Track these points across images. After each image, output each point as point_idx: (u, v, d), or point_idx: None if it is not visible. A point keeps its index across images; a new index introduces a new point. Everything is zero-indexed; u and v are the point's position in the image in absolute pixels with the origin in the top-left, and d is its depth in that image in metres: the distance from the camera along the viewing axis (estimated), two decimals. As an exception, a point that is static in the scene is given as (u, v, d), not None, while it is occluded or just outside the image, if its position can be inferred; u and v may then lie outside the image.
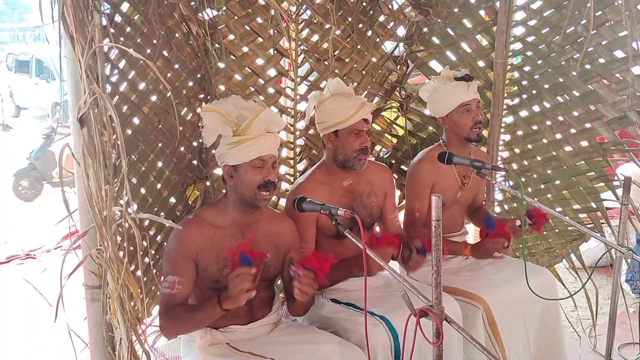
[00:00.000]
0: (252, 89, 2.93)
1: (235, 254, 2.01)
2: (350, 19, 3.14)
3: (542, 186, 3.38)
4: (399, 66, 3.44)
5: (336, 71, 3.18)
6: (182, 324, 2.20)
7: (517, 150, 3.45)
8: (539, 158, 3.36)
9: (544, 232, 3.43)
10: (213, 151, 2.26)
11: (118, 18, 2.25)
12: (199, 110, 2.69)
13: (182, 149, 2.64)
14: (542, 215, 2.76)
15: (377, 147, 3.60)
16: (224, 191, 2.39)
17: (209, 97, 2.69)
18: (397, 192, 3.18)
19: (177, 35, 2.51)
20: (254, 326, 2.32)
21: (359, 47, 3.21)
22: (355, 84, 3.25)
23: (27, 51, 15.91)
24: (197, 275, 2.22)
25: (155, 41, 2.38)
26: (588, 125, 3.14)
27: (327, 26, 3.05)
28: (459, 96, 2.83)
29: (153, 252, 2.55)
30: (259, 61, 2.93)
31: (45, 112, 15.28)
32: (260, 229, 2.32)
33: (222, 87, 2.76)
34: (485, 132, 3.33)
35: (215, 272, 2.22)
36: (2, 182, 8.61)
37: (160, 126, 2.50)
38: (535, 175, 3.39)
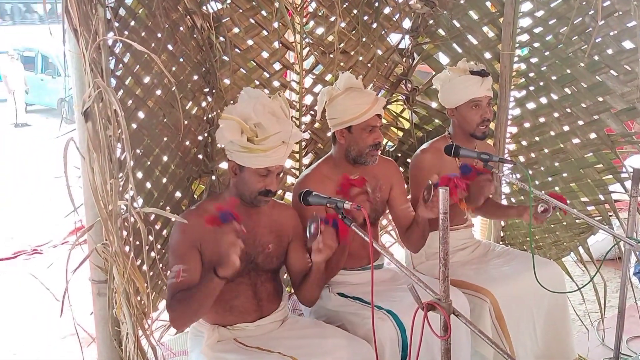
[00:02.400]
0: (257, 82, 2.91)
1: (214, 218, 1.99)
2: (355, 12, 3.12)
3: (550, 179, 3.35)
4: (404, 59, 3.42)
5: (341, 64, 3.16)
6: (187, 307, 2.11)
7: (524, 143, 3.42)
8: (546, 150, 3.33)
9: (552, 225, 3.41)
10: (219, 145, 2.25)
11: (122, 11, 2.24)
12: (204, 104, 2.69)
13: (187, 143, 2.63)
14: (558, 197, 2.69)
15: (384, 141, 3.58)
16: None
17: (213, 90, 2.68)
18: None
19: (181, 28, 2.50)
20: (262, 323, 2.32)
21: (364, 39, 3.19)
22: (361, 76, 3.22)
23: (33, 47, 15.94)
24: (202, 266, 2.20)
25: (159, 35, 2.37)
26: (596, 117, 3.11)
27: (332, 19, 3.03)
28: (471, 90, 2.81)
29: (159, 246, 2.55)
30: (264, 54, 2.92)
31: (51, 107, 15.34)
32: (262, 220, 2.32)
33: (227, 81, 2.75)
34: (492, 125, 3.31)
35: (217, 264, 2.20)
36: (11, 177, 8.67)
37: (165, 120, 2.49)
38: (542, 168, 3.37)
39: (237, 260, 1.98)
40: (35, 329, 4.05)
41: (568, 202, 3.27)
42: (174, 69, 2.50)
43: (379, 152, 2.66)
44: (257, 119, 2.12)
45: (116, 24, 2.11)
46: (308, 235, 2.15)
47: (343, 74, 2.66)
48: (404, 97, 3.48)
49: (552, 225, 3.42)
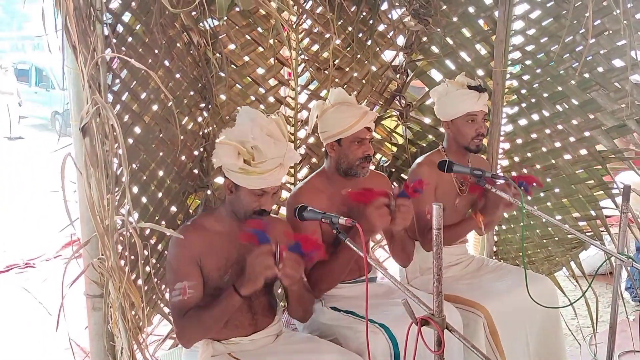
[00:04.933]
0: (253, 98, 2.94)
1: (252, 235, 1.99)
2: (350, 29, 3.16)
3: (542, 194, 3.38)
4: (398, 75, 3.46)
5: (336, 80, 3.20)
6: (201, 324, 2.13)
7: (516, 159, 3.46)
8: (538, 166, 3.36)
9: (544, 240, 3.44)
10: (214, 160, 2.27)
11: (120, 28, 2.26)
12: (200, 119, 2.71)
13: (183, 158, 2.65)
14: (528, 178, 2.71)
15: (377, 156, 3.61)
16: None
17: (209, 106, 2.70)
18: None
19: (178, 45, 2.53)
20: (256, 337, 2.32)
21: (359, 56, 3.23)
22: (355, 92, 3.27)
23: (27, 60, 15.94)
24: (203, 280, 2.20)
25: (156, 51, 2.40)
26: (587, 133, 3.15)
27: (328, 36, 3.07)
28: (468, 104, 2.84)
29: (154, 261, 2.55)
30: (260, 70, 2.95)
31: (45, 120, 15.31)
32: None
33: (223, 96, 2.77)
34: (485, 141, 3.34)
35: (216, 279, 2.21)
36: (4, 190, 8.64)
37: (161, 135, 2.51)
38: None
39: (262, 283, 2.00)
40: (27, 344, 4.02)
41: (559, 217, 3.32)
42: (170, 84, 2.52)
43: (370, 165, 2.68)
44: (255, 142, 2.12)
45: (114, 41, 2.14)
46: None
47: (334, 89, 2.69)
48: (398, 113, 3.51)
49: (545, 241, 3.45)
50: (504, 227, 3.54)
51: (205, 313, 2.12)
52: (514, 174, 3.13)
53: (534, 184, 2.71)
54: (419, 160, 3.00)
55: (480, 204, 2.84)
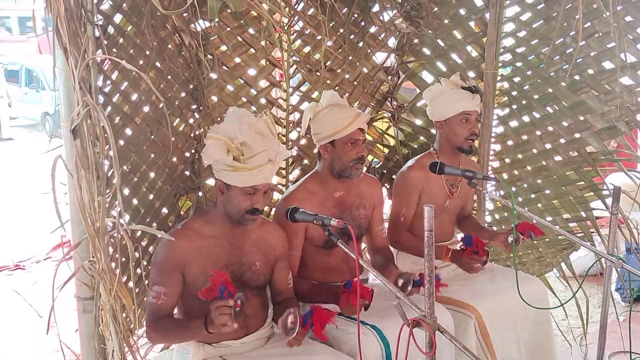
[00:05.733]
0: (245, 100, 2.94)
1: (218, 283, 1.96)
2: (341, 30, 3.17)
3: (533, 196, 3.40)
4: (390, 77, 3.46)
5: (328, 82, 3.20)
6: (168, 338, 2.28)
7: (507, 160, 3.47)
8: (529, 168, 3.38)
9: (535, 242, 3.45)
10: (204, 158, 2.27)
11: (111, 30, 2.25)
12: (191, 120, 2.70)
13: (174, 159, 2.64)
14: (531, 227, 2.78)
15: (369, 158, 3.61)
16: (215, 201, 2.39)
17: (201, 107, 2.69)
18: (388, 202, 3.19)
19: (169, 46, 2.52)
20: (248, 340, 2.31)
21: (350, 58, 3.23)
22: (347, 94, 3.27)
23: (17, 61, 15.85)
24: (184, 286, 2.22)
25: (147, 52, 2.39)
26: (577, 135, 3.17)
27: (319, 37, 3.07)
28: (463, 104, 2.86)
29: (145, 263, 2.54)
30: (251, 72, 2.95)
31: (35, 121, 15.23)
32: (250, 238, 2.32)
33: (214, 98, 2.77)
34: (476, 142, 3.35)
35: (202, 283, 2.19)
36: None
37: (152, 137, 2.50)
38: (525, 185, 3.42)
39: (231, 329, 1.98)
40: (17, 346, 4.00)
41: (550, 219, 3.34)
42: (161, 86, 2.51)
43: (364, 167, 2.69)
44: (243, 137, 2.13)
45: (105, 42, 2.13)
46: (282, 325, 2.11)
47: (327, 91, 2.70)
48: (390, 115, 3.52)
49: (535, 242, 3.46)
50: (495, 228, 3.55)
51: (174, 330, 2.19)
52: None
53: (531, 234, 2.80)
54: (408, 163, 3.01)
55: (457, 252, 2.86)
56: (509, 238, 2.78)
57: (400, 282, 2.49)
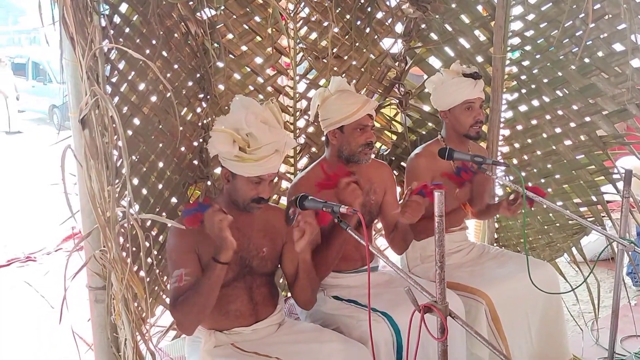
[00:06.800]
0: (252, 88, 2.93)
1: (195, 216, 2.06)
2: (348, 16, 3.14)
3: (543, 180, 3.38)
4: (397, 63, 3.44)
5: (335, 69, 3.18)
6: (192, 305, 2.10)
7: (517, 145, 3.45)
8: (539, 152, 3.36)
9: (545, 227, 3.44)
10: (210, 149, 2.26)
11: (117, 19, 2.24)
12: (198, 110, 2.70)
13: (182, 149, 2.64)
14: (534, 189, 2.73)
15: (377, 144, 3.60)
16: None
17: (208, 96, 2.69)
18: (398, 189, 3.18)
19: (176, 35, 2.51)
20: (258, 327, 2.32)
21: (357, 44, 3.21)
22: (354, 81, 3.25)
23: (24, 54, 15.89)
24: (202, 269, 2.20)
25: (154, 41, 2.38)
26: (587, 118, 3.14)
27: (326, 24, 3.05)
28: (465, 92, 2.84)
29: (156, 252, 2.55)
30: (258, 60, 2.93)
31: (43, 114, 15.29)
32: (256, 224, 2.32)
33: (221, 87, 2.76)
34: (485, 128, 3.33)
35: (215, 253, 2.21)
36: (3, 184, 8.63)
37: (160, 126, 2.50)
38: (535, 170, 3.40)
39: (232, 238, 2.01)
40: (31, 337, 4.04)
41: (560, 203, 3.32)
42: (168, 75, 2.51)
43: (372, 153, 2.68)
44: (249, 129, 2.12)
45: (111, 32, 2.12)
46: (286, 219, 2.13)
47: (335, 77, 2.69)
48: (397, 101, 3.50)
49: (546, 227, 3.45)
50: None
51: (192, 292, 2.10)
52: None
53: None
54: (416, 151, 3.00)
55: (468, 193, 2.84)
56: (510, 197, 2.76)
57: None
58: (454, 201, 3.00)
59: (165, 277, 2.57)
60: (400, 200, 2.57)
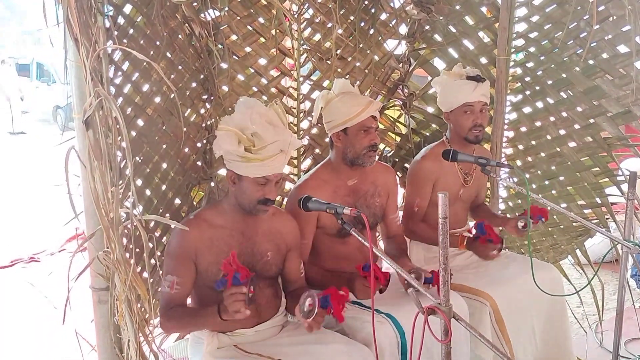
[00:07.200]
0: (255, 89, 2.93)
1: (231, 270, 1.97)
2: (352, 18, 3.14)
3: (547, 182, 3.37)
4: (401, 64, 3.44)
5: (339, 70, 3.18)
6: (182, 326, 2.28)
7: (520, 147, 3.44)
8: (543, 154, 3.35)
9: (549, 229, 3.43)
10: (215, 149, 2.26)
11: (121, 20, 2.25)
12: (202, 111, 2.70)
13: (186, 150, 2.64)
14: (540, 211, 2.75)
15: (381, 146, 3.59)
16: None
17: (212, 97, 2.69)
18: (401, 190, 3.18)
19: (179, 36, 2.51)
20: (261, 328, 2.32)
21: (361, 45, 3.21)
22: (358, 82, 3.25)
23: (28, 55, 15.94)
24: (196, 275, 2.23)
25: (158, 42, 2.38)
26: (592, 120, 3.13)
27: (330, 25, 3.05)
28: (464, 95, 2.83)
29: (159, 253, 2.55)
30: (262, 61, 2.93)
31: (47, 115, 15.33)
32: (262, 228, 2.32)
33: (225, 88, 2.76)
34: (488, 129, 3.33)
35: (215, 273, 2.20)
36: (6, 185, 8.65)
37: (164, 127, 2.50)
38: (539, 172, 3.39)
39: (245, 314, 1.98)
40: (34, 338, 4.04)
41: (564, 205, 3.31)
42: (172, 76, 2.51)
43: (376, 155, 2.68)
44: (254, 128, 2.12)
45: (115, 33, 2.13)
46: (300, 309, 2.08)
47: (338, 79, 2.69)
48: (401, 103, 3.50)
49: (550, 229, 3.44)
50: (508, 215, 3.53)
51: (187, 319, 2.20)
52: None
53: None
54: (421, 153, 3.00)
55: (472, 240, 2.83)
56: (519, 223, 2.76)
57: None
58: (458, 203, 3.01)
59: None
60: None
